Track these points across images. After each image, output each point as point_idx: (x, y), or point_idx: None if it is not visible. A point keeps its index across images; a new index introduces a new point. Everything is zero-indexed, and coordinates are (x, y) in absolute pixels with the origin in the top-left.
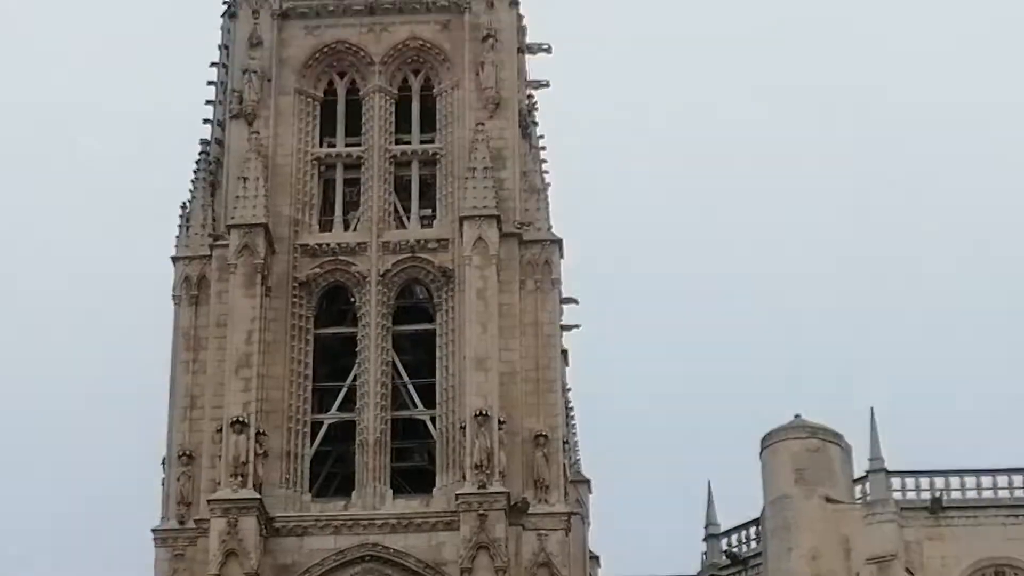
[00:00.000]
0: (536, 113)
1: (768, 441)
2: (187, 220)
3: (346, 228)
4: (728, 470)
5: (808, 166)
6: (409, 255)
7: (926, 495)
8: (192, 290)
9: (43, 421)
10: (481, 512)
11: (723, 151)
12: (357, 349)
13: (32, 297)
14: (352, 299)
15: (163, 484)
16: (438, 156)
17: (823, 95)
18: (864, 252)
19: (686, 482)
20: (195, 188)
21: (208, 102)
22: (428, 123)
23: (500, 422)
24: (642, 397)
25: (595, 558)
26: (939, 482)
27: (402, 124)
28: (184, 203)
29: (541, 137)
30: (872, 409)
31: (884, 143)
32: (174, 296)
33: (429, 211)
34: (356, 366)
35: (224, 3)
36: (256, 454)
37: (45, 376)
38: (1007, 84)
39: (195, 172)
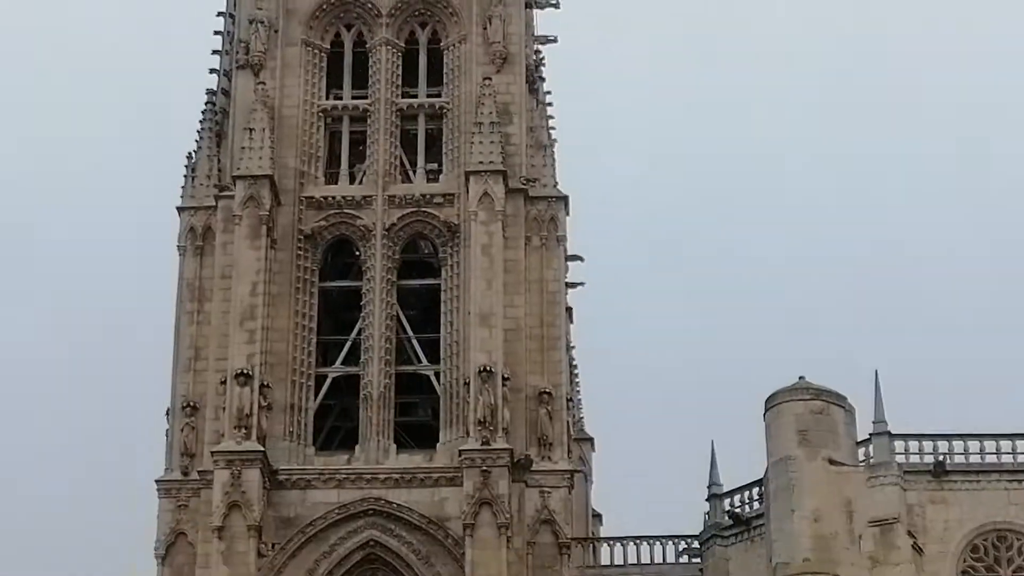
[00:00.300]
0: (543, 69)
1: (772, 402)
2: (192, 170)
3: (352, 181)
4: (731, 431)
5: (817, 104)
6: (415, 209)
7: (929, 458)
8: (197, 241)
9: (48, 370)
10: (484, 468)
11: (733, 104)
12: (362, 303)
13: (39, 245)
14: (357, 252)
15: (167, 435)
16: (445, 110)
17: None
18: (868, 211)
19: (689, 442)
20: (201, 138)
21: (215, 52)
22: (435, 77)
23: (504, 378)
24: (646, 356)
25: (597, 516)
26: (942, 445)
27: (409, 77)
28: (190, 153)
29: (548, 93)
30: (876, 371)
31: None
32: (179, 247)
33: (435, 165)
34: (360, 320)
35: None
36: (260, 406)
37: (49, 323)
38: None
39: (201, 122)
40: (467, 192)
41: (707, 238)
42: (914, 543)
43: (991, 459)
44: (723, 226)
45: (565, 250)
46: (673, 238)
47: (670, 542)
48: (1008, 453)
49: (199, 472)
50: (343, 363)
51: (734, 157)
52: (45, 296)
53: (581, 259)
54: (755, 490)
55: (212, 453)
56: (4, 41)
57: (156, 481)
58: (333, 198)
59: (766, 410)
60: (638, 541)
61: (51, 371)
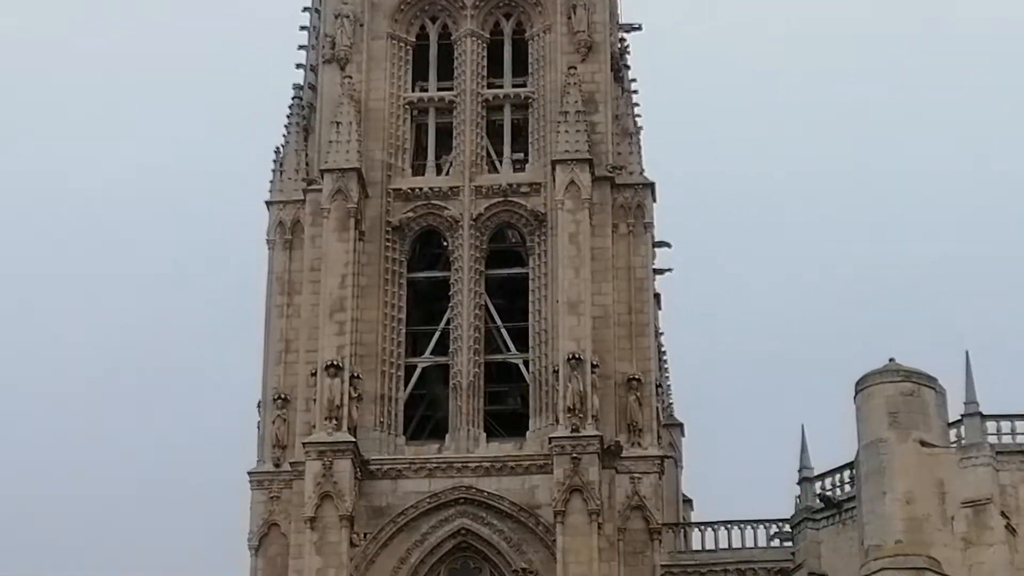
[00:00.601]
0: (628, 56)
1: (862, 385)
2: (281, 165)
3: (438, 172)
4: (822, 414)
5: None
6: (501, 199)
7: (1022, 438)
8: (286, 234)
9: (142, 363)
10: (574, 455)
11: (820, 85)
12: (450, 293)
13: (131, 246)
14: (445, 243)
15: (259, 427)
16: (530, 100)
17: None
18: (959, 193)
19: (779, 425)
20: (288, 133)
21: (301, 47)
22: (520, 67)
23: (593, 366)
24: (735, 341)
25: (688, 501)
26: None
27: (494, 68)
28: (277, 148)
29: (633, 80)
30: (967, 352)
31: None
32: (268, 240)
33: (521, 155)
34: (449, 310)
35: None
36: (350, 397)
37: (143, 320)
38: None
39: (288, 117)
40: (553, 181)
41: (794, 222)
42: (1007, 524)
43: None
44: (811, 209)
45: (652, 237)
46: (761, 222)
47: (761, 526)
48: None
49: (291, 463)
50: (432, 353)
51: (820, 140)
52: (140, 290)
53: (669, 245)
54: (846, 473)
55: (304, 444)
56: (92, 44)
57: (248, 473)
58: (420, 189)
59: (856, 392)
60: (729, 526)
61: (145, 364)
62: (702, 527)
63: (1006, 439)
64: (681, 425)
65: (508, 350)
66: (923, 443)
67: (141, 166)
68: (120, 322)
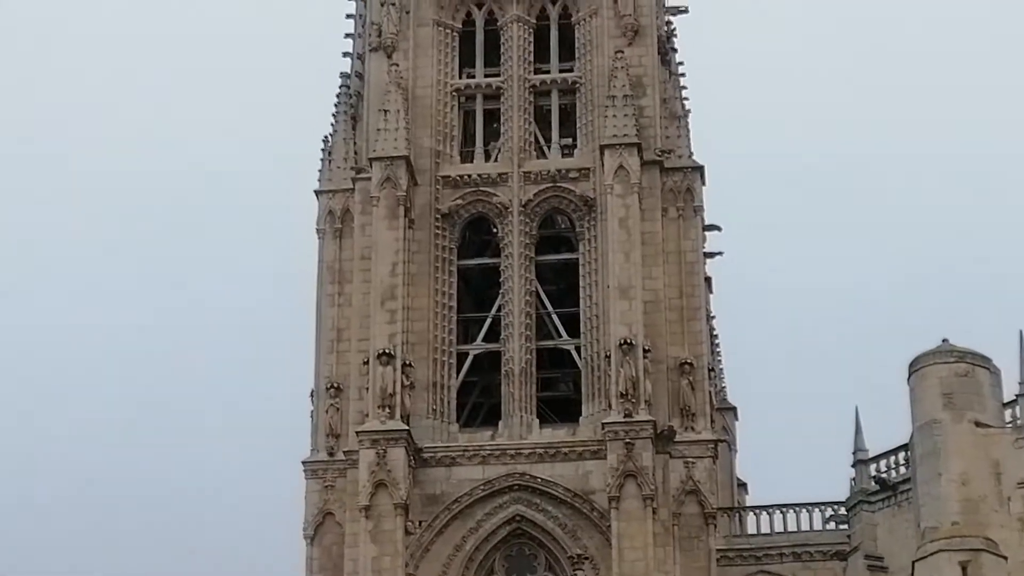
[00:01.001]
0: (675, 39)
1: (916, 366)
2: (329, 154)
3: (487, 159)
4: (876, 395)
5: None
6: (550, 185)
7: None
8: (336, 223)
9: (192, 351)
10: (628, 441)
11: (870, 66)
12: (501, 280)
13: (182, 235)
14: (494, 230)
15: (312, 416)
16: (577, 85)
17: None
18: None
19: (833, 408)
20: (336, 122)
21: (348, 35)
22: (567, 52)
23: (645, 350)
24: (787, 323)
25: (743, 485)
26: None
27: (540, 53)
28: (326, 137)
29: (681, 64)
30: (1021, 332)
31: None
32: (318, 230)
33: (569, 140)
34: (500, 296)
35: None
36: (403, 385)
37: (194, 308)
38: None
39: (336, 106)
40: (602, 166)
41: (847, 203)
42: None
43: None
44: (863, 189)
45: (702, 220)
46: (813, 204)
47: (816, 509)
48: None
49: (345, 452)
50: (484, 340)
51: (872, 119)
52: (190, 278)
53: (719, 228)
54: (901, 455)
55: (357, 433)
56: (141, 31)
57: (303, 462)
58: (469, 176)
59: (910, 374)
60: (784, 509)
61: (196, 353)
62: (757, 511)
63: None
64: (734, 409)
65: (559, 336)
66: (978, 424)
67: (192, 157)
68: (172, 308)
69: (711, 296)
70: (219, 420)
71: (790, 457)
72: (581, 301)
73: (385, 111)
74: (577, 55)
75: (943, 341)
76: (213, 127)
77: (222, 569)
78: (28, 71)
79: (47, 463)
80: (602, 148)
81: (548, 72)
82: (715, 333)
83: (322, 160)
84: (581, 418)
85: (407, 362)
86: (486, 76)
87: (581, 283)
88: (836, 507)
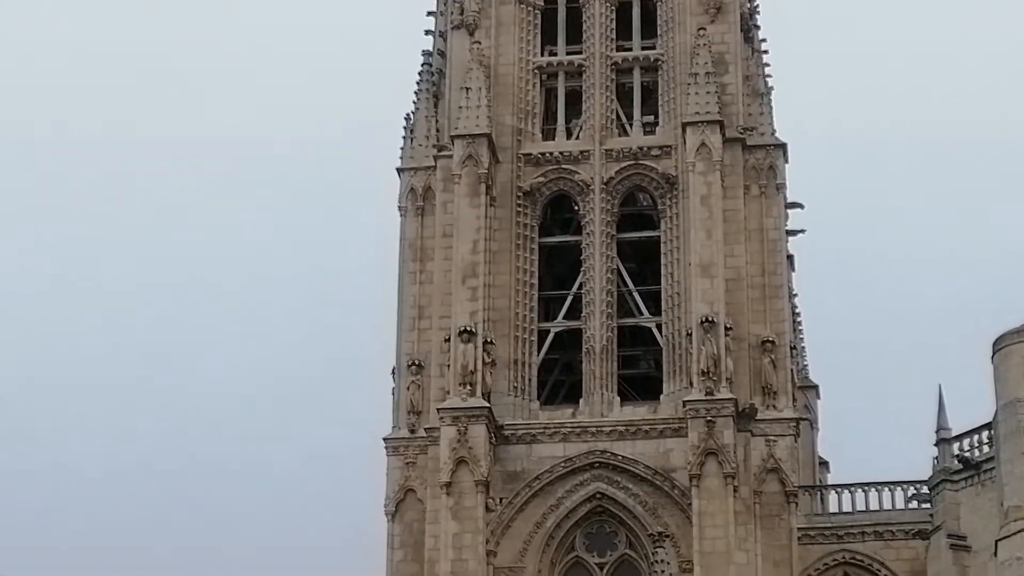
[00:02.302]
0: (758, 16)
1: (1000, 344)
2: (411, 131)
3: (568, 136)
4: (959, 374)
5: None
6: (632, 162)
7: None
8: (418, 201)
9: (275, 333)
10: (709, 419)
11: (956, 41)
12: (582, 257)
13: (265, 212)
14: (576, 207)
15: (393, 393)
16: (660, 62)
17: None
18: None
19: (916, 386)
20: (418, 99)
21: (430, 13)
22: (649, 29)
23: (726, 328)
24: (870, 301)
25: (824, 463)
26: None
27: (623, 31)
28: (408, 114)
29: (763, 41)
30: None
31: None
32: (400, 207)
33: (651, 118)
34: (581, 274)
35: None
36: (484, 363)
37: (276, 290)
38: None
39: (418, 84)
40: (684, 143)
41: (930, 179)
42: None
43: None
44: (947, 166)
45: (785, 198)
46: (896, 180)
47: (899, 488)
48: None
49: (426, 429)
50: (565, 317)
51: (957, 93)
52: (273, 258)
53: (801, 206)
54: (984, 433)
55: (438, 410)
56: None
57: (384, 439)
58: (551, 154)
59: (994, 352)
60: (866, 488)
61: (278, 331)
62: (839, 489)
63: None
64: (816, 387)
65: (641, 314)
66: None
67: (273, 135)
68: (256, 287)
69: (793, 274)
70: (301, 397)
71: (872, 435)
72: (662, 279)
73: (467, 89)
74: (659, 32)
75: None
76: (296, 105)
77: (305, 545)
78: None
79: (151, 435)
80: (684, 125)
81: (630, 49)
82: (797, 311)
83: (404, 138)
84: (662, 396)
85: (488, 339)
86: (568, 54)
87: (662, 261)
88: (918, 486)
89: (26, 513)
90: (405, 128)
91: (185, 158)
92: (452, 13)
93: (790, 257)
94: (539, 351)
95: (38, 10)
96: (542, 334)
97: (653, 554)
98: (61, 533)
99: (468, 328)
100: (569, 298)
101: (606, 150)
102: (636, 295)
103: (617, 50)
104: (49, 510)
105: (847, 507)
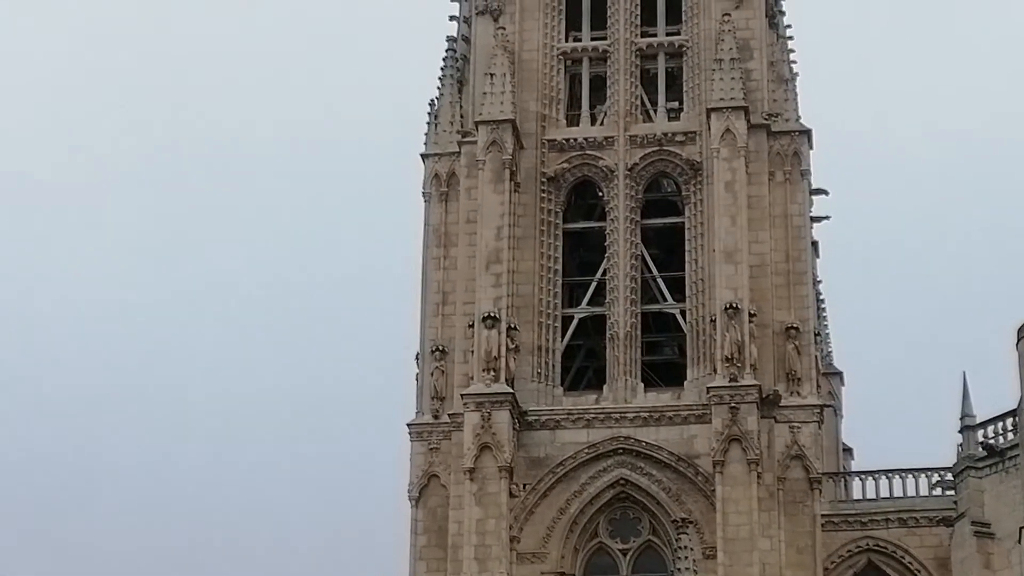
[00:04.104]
0: (783, 2)
1: None
2: (435, 117)
3: (593, 122)
4: (984, 361)
5: None
6: (656, 148)
7: None
8: (442, 187)
9: (297, 319)
10: (733, 405)
11: (981, 30)
12: (606, 243)
13: (287, 197)
14: (600, 193)
15: (417, 379)
16: (684, 48)
17: None
18: None
19: (941, 373)
20: (442, 85)
21: None
22: (674, 15)
23: (751, 315)
24: (895, 288)
25: (848, 450)
26: None
27: (647, 16)
28: (432, 100)
29: (788, 27)
30: None
31: None
32: (424, 193)
33: (676, 104)
34: (605, 260)
35: None
36: (508, 349)
37: (301, 273)
38: None
39: (442, 69)
40: (709, 129)
41: (955, 167)
42: None
43: None
44: (972, 154)
45: (809, 184)
46: (920, 168)
47: (923, 475)
48: None
49: (450, 415)
50: (589, 303)
51: (982, 84)
52: (295, 243)
53: (826, 193)
54: (1009, 420)
55: (462, 396)
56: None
57: (408, 425)
58: (575, 140)
59: (1019, 339)
60: (890, 474)
61: (302, 317)
62: (863, 476)
63: None
64: (840, 374)
65: (665, 300)
66: None
67: (296, 121)
68: (279, 275)
69: (817, 260)
70: (325, 383)
71: (896, 422)
72: (686, 265)
73: (491, 75)
74: (684, 18)
75: None
76: (319, 90)
77: (328, 530)
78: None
79: (191, 427)
80: (709, 111)
81: (655, 35)
82: (821, 297)
83: (428, 123)
84: (686, 382)
85: (512, 325)
86: (592, 39)
87: (687, 247)
88: (942, 473)
89: (39, 507)
90: (429, 114)
91: (213, 141)
92: None
93: (815, 243)
94: (563, 337)
95: None
96: (566, 320)
97: (676, 540)
98: (73, 529)
99: (492, 314)
100: (593, 284)
101: (630, 136)
102: (660, 281)
103: (642, 36)
104: (65, 503)
105: (871, 494)
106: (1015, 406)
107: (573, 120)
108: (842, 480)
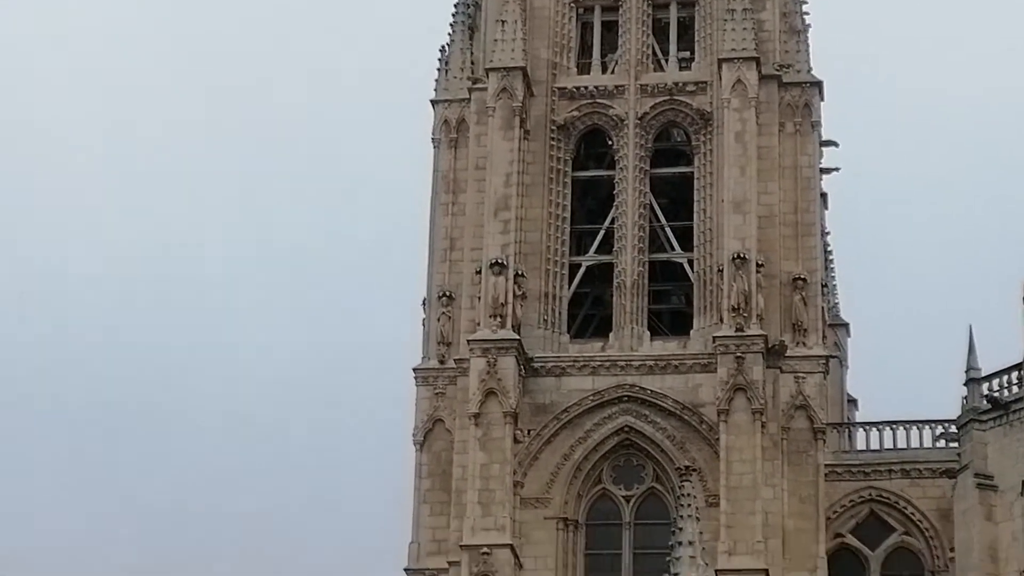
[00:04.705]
0: None
1: None
2: (446, 63)
3: (604, 71)
4: (990, 314)
5: None
6: (667, 98)
7: None
8: (451, 133)
9: (306, 264)
10: (738, 355)
11: None
12: (615, 192)
13: (298, 145)
14: (610, 142)
15: (424, 324)
16: None
17: None
18: None
19: (947, 326)
20: (453, 31)
21: None
22: None
23: (758, 265)
24: (902, 240)
25: (853, 401)
26: None
27: None
28: (443, 46)
29: None
30: None
31: None
32: (433, 139)
33: (687, 53)
34: (613, 209)
35: None
36: (515, 295)
37: (306, 221)
38: None
39: (453, 15)
40: (720, 79)
41: (966, 119)
42: None
43: None
44: (982, 105)
45: (819, 135)
46: (931, 120)
47: (927, 427)
48: None
49: (455, 360)
50: (596, 252)
51: (995, 34)
52: (305, 190)
53: (836, 144)
54: (1014, 374)
55: (468, 342)
56: None
57: (414, 369)
58: (585, 88)
59: None
60: (894, 426)
61: (309, 263)
62: (867, 427)
63: None
64: (847, 325)
65: (672, 249)
66: None
67: (309, 68)
68: (288, 215)
69: (826, 212)
70: (332, 327)
71: (901, 374)
72: (695, 215)
73: (503, 22)
74: None
75: None
76: (327, 36)
77: (334, 473)
78: None
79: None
80: (720, 62)
81: None
82: (829, 249)
83: (439, 70)
84: (692, 331)
85: (519, 272)
86: None
87: (695, 197)
88: (946, 425)
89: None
90: (440, 60)
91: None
92: None
93: (824, 195)
94: (570, 285)
95: None
96: (573, 268)
97: (680, 488)
98: (72, 522)
99: (499, 260)
100: (601, 232)
101: (641, 85)
102: (668, 230)
103: None
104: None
105: (875, 445)
106: (1021, 360)
107: (584, 68)
108: (846, 431)
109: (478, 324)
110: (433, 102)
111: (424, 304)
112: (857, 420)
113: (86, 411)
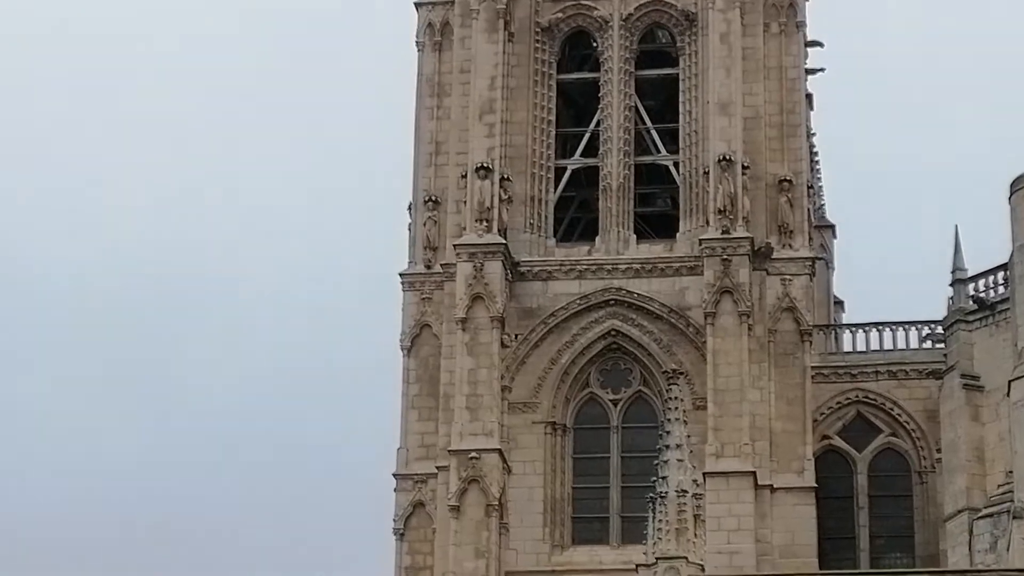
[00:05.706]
0: None
1: (1018, 185)
2: None
3: None
4: (976, 214)
5: None
6: None
7: None
8: (435, 36)
9: (289, 167)
10: (725, 257)
11: None
12: (600, 94)
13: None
14: (594, 44)
15: (409, 229)
16: None
17: None
18: None
19: (933, 226)
20: None
21: None
22: None
23: (744, 167)
24: (888, 141)
25: (839, 303)
26: None
27: None
28: None
29: None
30: None
31: None
32: (417, 42)
33: None
34: (599, 111)
35: None
36: (500, 199)
37: (290, 124)
38: None
39: None
40: None
41: (951, 20)
42: None
43: None
44: (969, 8)
45: (805, 36)
46: (917, 20)
47: (913, 328)
48: None
49: (442, 265)
50: (582, 155)
51: None
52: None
53: (821, 45)
54: (1000, 274)
55: (455, 246)
56: None
57: (400, 274)
58: None
59: (1012, 192)
60: (880, 327)
61: (295, 168)
62: (853, 328)
63: None
64: (833, 226)
65: (658, 151)
66: None
67: None
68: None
69: (812, 113)
70: (316, 232)
71: (888, 275)
72: (680, 117)
73: None
74: None
75: None
76: None
77: (319, 379)
78: None
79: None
80: None
81: None
82: (815, 150)
83: None
84: (678, 234)
85: (505, 176)
86: None
87: (681, 98)
88: (932, 326)
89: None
90: None
91: None
92: None
93: (809, 96)
94: (556, 188)
95: None
96: (559, 171)
97: (667, 391)
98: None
99: (485, 164)
100: (586, 135)
101: None
102: (654, 133)
103: None
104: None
105: (861, 346)
106: (1006, 260)
107: None
108: (832, 332)
109: (464, 228)
110: (417, 4)
111: (410, 209)
112: (843, 322)
113: None
